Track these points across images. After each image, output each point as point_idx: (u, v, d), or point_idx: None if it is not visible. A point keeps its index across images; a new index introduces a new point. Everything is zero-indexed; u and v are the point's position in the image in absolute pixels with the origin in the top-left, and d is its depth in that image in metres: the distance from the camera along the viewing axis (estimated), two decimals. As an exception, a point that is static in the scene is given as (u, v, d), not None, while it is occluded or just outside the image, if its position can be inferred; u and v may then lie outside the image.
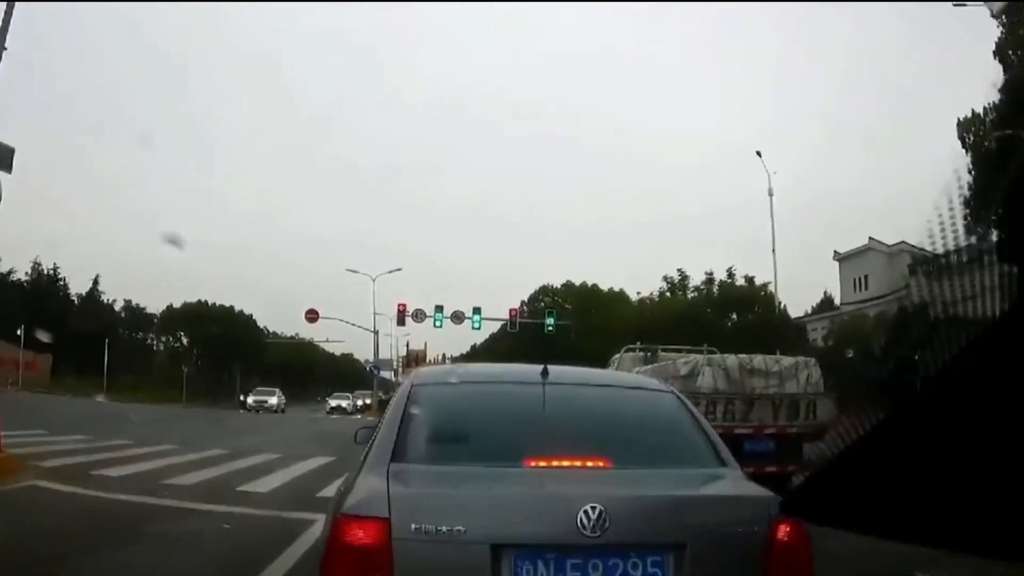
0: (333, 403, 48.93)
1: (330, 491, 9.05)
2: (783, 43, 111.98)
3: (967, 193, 1.13)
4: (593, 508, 2.23)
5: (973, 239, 1.11)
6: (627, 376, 4.79)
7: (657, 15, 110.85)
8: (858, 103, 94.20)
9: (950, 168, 1.13)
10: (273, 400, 44.90)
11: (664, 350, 14.90)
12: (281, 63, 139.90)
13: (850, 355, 40.22)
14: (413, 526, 2.21)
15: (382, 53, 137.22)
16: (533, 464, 2.55)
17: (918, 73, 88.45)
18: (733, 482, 2.68)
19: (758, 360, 10.81)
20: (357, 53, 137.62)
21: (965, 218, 1.10)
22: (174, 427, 21.17)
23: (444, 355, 61.84)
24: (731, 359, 10.86)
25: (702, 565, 2.31)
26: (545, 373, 2.93)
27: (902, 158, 78.15)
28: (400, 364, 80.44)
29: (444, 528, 2.21)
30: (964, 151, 21.93)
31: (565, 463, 2.58)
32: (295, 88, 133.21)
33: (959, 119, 23.64)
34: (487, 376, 3.61)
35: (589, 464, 2.60)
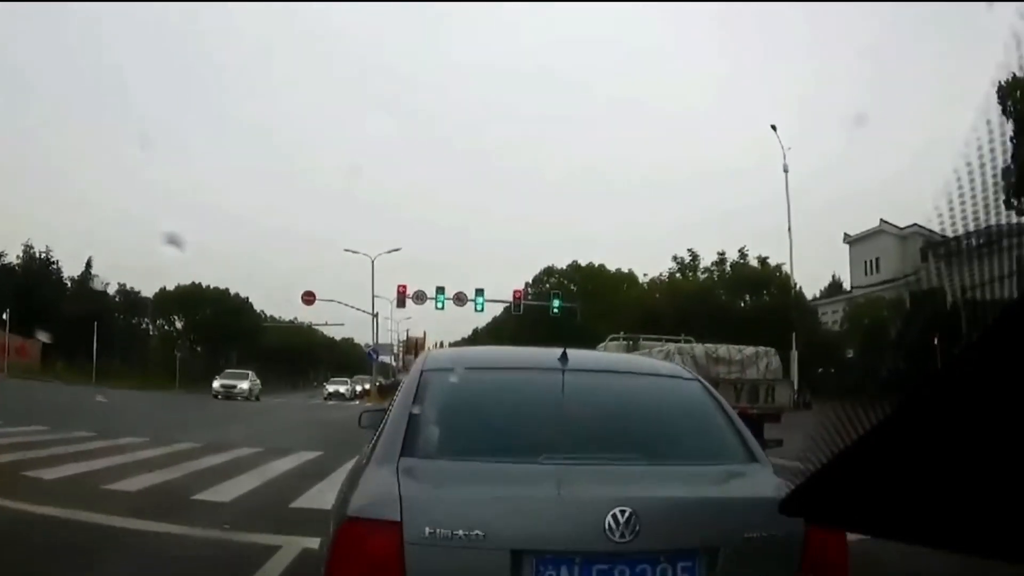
0: (331, 388, 47.07)
1: (308, 499, 7.39)
2: (799, 24, 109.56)
3: (1010, 164, 1.09)
4: (623, 511, 2.02)
5: (1000, 219, 1.06)
6: (648, 361, 4.01)
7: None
8: (854, 83, 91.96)
9: (961, 145, 1.08)
10: (244, 385, 38.03)
11: (645, 339, 15.88)
12: (276, 49, 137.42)
13: (850, 354, 38.92)
14: (427, 530, 1.98)
15: (380, 29, 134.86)
16: (556, 461, 2.28)
17: (929, 55, 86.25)
18: (766, 480, 2.39)
19: (722, 349, 12.28)
20: (352, 36, 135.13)
21: (1007, 193, 1.08)
22: (152, 416, 19.60)
23: (442, 342, 61.19)
24: (698, 348, 12.47)
25: (736, 570, 2.11)
26: (564, 359, 2.63)
27: (909, 138, 76.32)
28: (400, 348, 79.52)
29: (461, 532, 1.98)
30: (1005, 118, 20.36)
31: (591, 459, 2.37)
32: (293, 69, 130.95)
33: (1000, 83, 21.96)
34: (503, 361, 3.27)
35: (617, 461, 2.41)
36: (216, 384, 38.25)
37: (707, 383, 3.06)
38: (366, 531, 2.03)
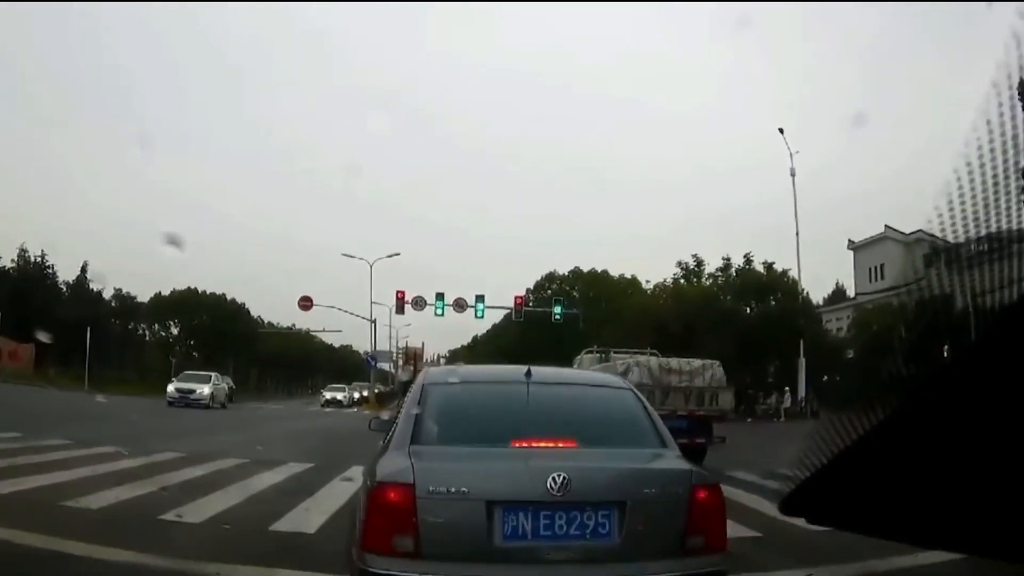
0: (328, 395, 46.14)
1: (291, 521, 6.50)
2: (801, 26, 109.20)
3: None
4: (559, 476, 2.99)
5: (1000, 220, 1.08)
6: (595, 375, 5.74)
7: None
8: (855, 84, 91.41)
9: (961, 152, 1.09)
10: (204, 390, 31.46)
11: (616, 351, 18.43)
12: (275, 51, 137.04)
13: (850, 355, 38.07)
14: (430, 489, 2.98)
15: (377, 34, 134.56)
16: (518, 445, 3.32)
17: (927, 60, 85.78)
18: (667, 458, 3.46)
19: (674, 362, 14.40)
20: (348, 39, 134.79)
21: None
22: (138, 422, 18.69)
23: (438, 355, 67.57)
24: (653, 361, 14.67)
25: (638, 518, 3.08)
26: (529, 374, 3.66)
27: (910, 141, 75.71)
28: (399, 357, 78.83)
29: (452, 490, 3.00)
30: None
31: (542, 444, 3.36)
32: (290, 72, 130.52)
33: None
34: (482, 377, 4.62)
35: (559, 445, 3.38)
36: (170, 388, 32.07)
37: (638, 392, 4.08)
38: (391, 490, 3.03)
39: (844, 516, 1.40)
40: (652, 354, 16.82)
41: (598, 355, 17.80)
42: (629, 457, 3.48)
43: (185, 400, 30.18)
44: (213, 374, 35.23)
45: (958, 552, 1.24)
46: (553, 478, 2.97)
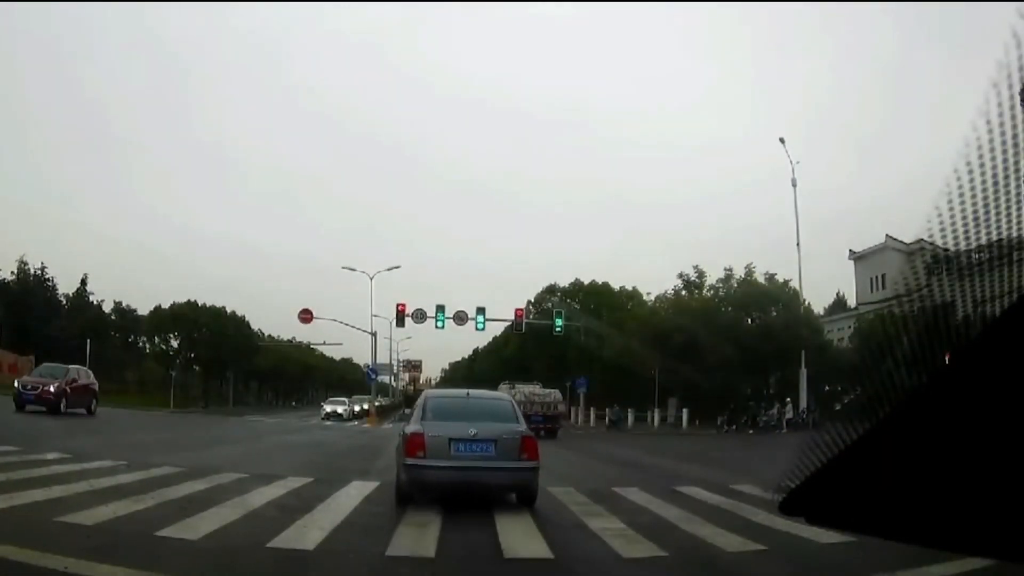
0: (328, 408, 45.67)
1: (288, 538, 6.38)
2: (801, 40, 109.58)
3: None
4: (473, 430, 8.49)
5: (999, 219, 1.08)
6: (497, 393, 13.08)
7: (684, 10, 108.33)
8: (855, 96, 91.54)
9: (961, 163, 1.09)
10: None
11: (516, 383, 32.67)
12: (280, 60, 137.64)
13: (852, 365, 37.72)
14: (429, 435, 8.41)
15: (386, 48, 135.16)
16: (465, 421, 8.68)
17: (922, 68, 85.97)
18: (517, 427, 8.90)
19: (537, 388, 31.92)
20: (360, 50, 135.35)
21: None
22: (138, 436, 18.59)
23: (430, 379, 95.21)
24: (525, 388, 31.06)
25: (502, 446, 8.51)
26: (468, 395, 10.39)
27: (911, 154, 75.65)
28: (400, 369, 79.40)
29: (436, 435, 8.45)
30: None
31: (476, 421, 8.72)
32: (296, 84, 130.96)
33: None
34: (449, 394, 11.65)
35: (482, 422, 8.77)
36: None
37: (514, 400, 10.80)
38: (414, 436, 8.48)
39: (843, 516, 1.41)
40: (531, 383, 34.00)
41: (507, 384, 31.49)
42: (503, 426, 8.82)
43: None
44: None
45: (958, 552, 1.25)
46: (471, 431, 8.44)
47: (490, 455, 8.34)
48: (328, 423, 38.76)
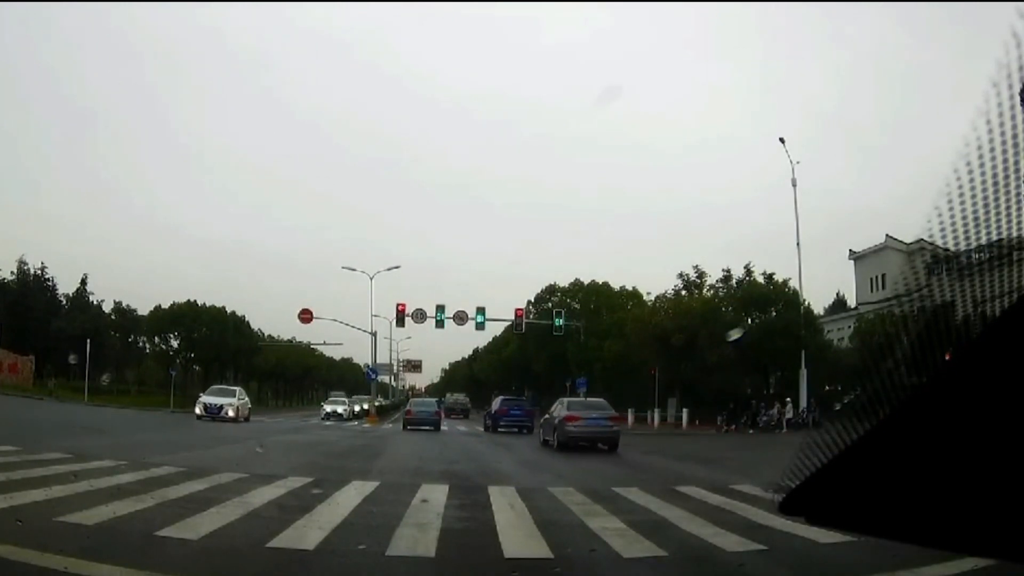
0: (328, 408, 45.37)
1: (288, 538, 6.37)
2: (799, 42, 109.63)
3: None
4: (440, 403, 43.93)
5: (999, 219, 1.09)
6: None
7: (684, 11, 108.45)
8: (857, 97, 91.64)
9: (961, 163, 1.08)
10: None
11: (453, 392, 68.46)
12: (276, 63, 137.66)
13: (852, 365, 37.89)
14: (415, 410, 33.47)
15: (380, 50, 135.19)
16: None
17: (923, 68, 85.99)
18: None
19: (458, 394, 64.27)
20: (353, 52, 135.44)
21: None
22: (138, 436, 18.61)
23: (422, 388, 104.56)
24: (452, 395, 63.66)
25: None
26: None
27: (908, 156, 75.64)
28: (400, 368, 79.49)
29: (421, 411, 33.51)
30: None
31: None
32: (292, 86, 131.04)
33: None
34: (422, 399, 45.64)
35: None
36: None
37: (440, 403, 43.56)
38: (410, 410, 33.75)
39: (843, 516, 1.42)
40: (454, 393, 64.91)
41: (448, 394, 59.28)
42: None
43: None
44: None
45: (958, 552, 1.27)
46: (429, 415, 33.03)
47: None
48: (328, 423, 38.73)
